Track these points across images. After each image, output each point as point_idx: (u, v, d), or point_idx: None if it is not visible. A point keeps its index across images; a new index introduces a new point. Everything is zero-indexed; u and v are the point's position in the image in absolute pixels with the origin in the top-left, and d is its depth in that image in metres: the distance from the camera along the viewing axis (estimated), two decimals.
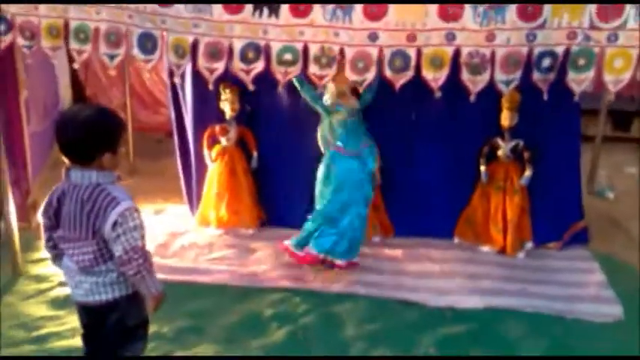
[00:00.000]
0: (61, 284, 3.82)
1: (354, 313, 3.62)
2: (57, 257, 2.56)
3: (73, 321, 3.44)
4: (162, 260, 4.13)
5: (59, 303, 3.68)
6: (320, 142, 4.19)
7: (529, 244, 4.30)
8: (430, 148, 4.38)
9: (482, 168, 4.26)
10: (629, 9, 2.97)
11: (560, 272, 4.05)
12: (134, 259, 2.34)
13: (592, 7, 3.00)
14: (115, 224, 2.29)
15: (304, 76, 3.61)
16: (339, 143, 4.03)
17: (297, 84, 3.98)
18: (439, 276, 4.01)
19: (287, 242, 4.16)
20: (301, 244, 4.09)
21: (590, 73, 3.11)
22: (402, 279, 3.99)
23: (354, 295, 3.80)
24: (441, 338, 3.38)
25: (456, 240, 4.43)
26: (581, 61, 3.09)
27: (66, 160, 2.36)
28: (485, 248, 4.30)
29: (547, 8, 3.01)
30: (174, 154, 4.92)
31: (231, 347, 3.32)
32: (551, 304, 3.67)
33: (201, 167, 4.70)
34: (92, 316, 2.54)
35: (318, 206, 4.16)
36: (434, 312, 3.64)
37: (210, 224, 4.66)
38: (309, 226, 4.10)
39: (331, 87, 3.92)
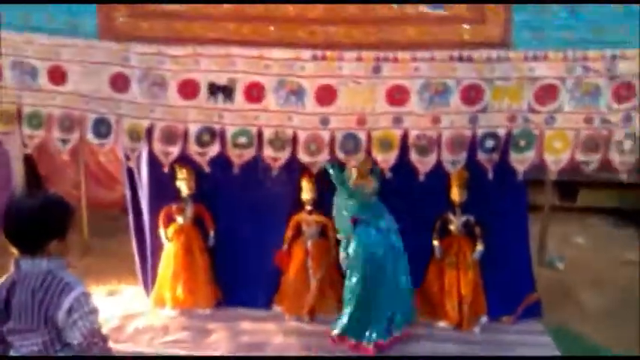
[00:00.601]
0: None
1: None
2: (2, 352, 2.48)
3: None
4: (115, 345, 3.89)
5: None
6: (340, 230, 4.15)
7: (484, 319, 4.34)
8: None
9: (436, 243, 4.35)
10: (564, 93, 3.18)
11: (515, 347, 4.08)
12: (94, 343, 2.32)
13: (530, 91, 3.20)
14: (70, 310, 2.27)
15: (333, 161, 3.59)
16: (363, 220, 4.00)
17: (329, 168, 3.88)
18: (399, 352, 3.99)
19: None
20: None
21: (531, 153, 3.29)
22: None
23: None
24: None
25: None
26: (522, 142, 3.27)
27: (14, 250, 2.34)
28: (442, 324, 4.32)
29: (488, 93, 3.20)
30: (128, 232, 4.88)
31: None
32: None
33: (157, 246, 4.65)
34: None
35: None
36: None
37: (166, 304, 4.57)
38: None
39: (354, 170, 3.90)
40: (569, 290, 5.02)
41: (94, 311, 2.34)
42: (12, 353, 2.42)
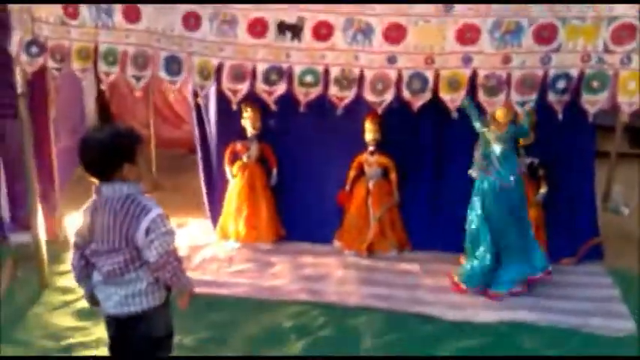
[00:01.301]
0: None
1: (371, 326, 3.71)
2: (83, 277, 2.71)
3: (98, 332, 3.60)
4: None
5: (85, 314, 3.81)
6: (475, 166, 4.09)
7: None
8: (448, 165, 4.47)
9: None
10: None
11: (575, 287, 4.12)
12: (169, 262, 2.51)
13: (606, 31, 3.09)
14: (147, 230, 2.45)
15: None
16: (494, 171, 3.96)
17: (466, 105, 3.76)
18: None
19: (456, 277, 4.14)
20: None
21: (604, 95, 3.20)
22: (417, 293, 4.07)
23: (371, 309, 3.89)
24: (455, 351, 3.46)
25: None
26: (595, 84, 3.18)
27: (94, 180, 2.53)
28: None
29: (562, 32, 3.11)
30: (195, 170, 5.06)
31: (253, 355, 3.44)
32: (565, 318, 3.75)
33: (223, 182, 4.83)
34: (121, 327, 2.67)
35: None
36: (449, 326, 3.72)
37: (230, 237, 4.78)
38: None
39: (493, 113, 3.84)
40: (632, 236, 4.96)
41: (169, 232, 2.51)
42: (94, 276, 2.62)
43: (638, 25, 3.05)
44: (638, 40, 3.08)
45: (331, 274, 4.33)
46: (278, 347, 3.52)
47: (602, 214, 5.06)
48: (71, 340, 3.59)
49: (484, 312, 3.83)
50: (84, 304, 3.88)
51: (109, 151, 2.49)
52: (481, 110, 3.65)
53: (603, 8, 3.05)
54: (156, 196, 5.13)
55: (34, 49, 3.68)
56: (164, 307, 2.68)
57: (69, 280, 4.17)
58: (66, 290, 4.10)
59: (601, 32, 3.09)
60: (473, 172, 4.05)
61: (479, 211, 4.00)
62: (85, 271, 2.70)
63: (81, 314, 3.83)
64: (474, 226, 4.05)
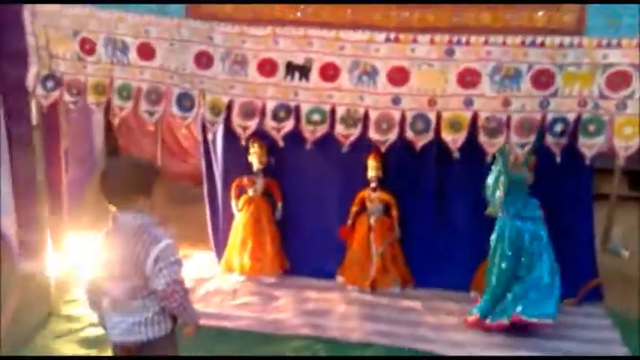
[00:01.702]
0: (92, 325, 4.01)
1: None
2: (95, 301, 2.77)
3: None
4: None
5: (90, 343, 3.87)
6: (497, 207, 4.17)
7: None
8: (450, 204, 4.58)
9: None
10: (638, 80, 3.19)
11: (575, 328, 4.16)
12: (176, 291, 2.58)
13: (601, 78, 3.23)
14: (156, 259, 2.53)
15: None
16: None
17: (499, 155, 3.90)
18: (455, 328, 4.13)
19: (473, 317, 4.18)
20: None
21: (601, 139, 3.32)
22: (419, 330, 4.12)
23: (373, 344, 3.93)
24: None
25: (472, 294, 4.55)
26: (592, 128, 3.31)
27: (111, 208, 2.64)
28: None
29: (559, 78, 3.24)
30: (200, 202, 5.16)
31: None
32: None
33: (228, 215, 4.93)
34: (127, 355, 2.73)
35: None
36: None
37: (234, 270, 4.85)
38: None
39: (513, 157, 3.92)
40: (631, 278, 5.00)
41: (177, 262, 2.60)
42: (104, 302, 2.70)
43: (631, 72, 3.18)
44: (633, 87, 3.20)
45: (334, 310, 4.39)
46: None
47: (602, 256, 5.12)
48: None
49: (485, 351, 3.86)
50: (89, 332, 3.99)
51: (130, 182, 2.61)
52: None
53: (598, 55, 3.18)
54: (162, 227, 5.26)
55: (50, 84, 3.84)
56: (170, 337, 2.73)
57: (75, 309, 4.25)
58: (72, 318, 4.17)
59: (596, 79, 3.22)
60: (492, 211, 4.18)
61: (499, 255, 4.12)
62: (95, 295, 2.76)
63: (86, 342, 3.89)
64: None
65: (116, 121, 3.90)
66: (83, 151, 5.67)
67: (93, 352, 3.78)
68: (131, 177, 2.63)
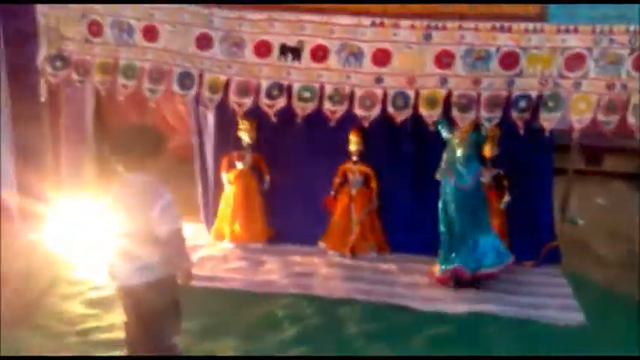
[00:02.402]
0: (95, 288, 4.38)
1: (354, 315, 4.15)
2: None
3: (110, 318, 3.99)
4: None
5: (95, 303, 4.20)
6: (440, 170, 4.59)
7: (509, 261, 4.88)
8: (425, 177, 4.95)
9: None
10: (591, 62, 3.65)
11: (534, 285, 4.64)
12: (175, 238, 2.98)
13: (560, 59, 3.67)
14: (161, 211, 2.90)
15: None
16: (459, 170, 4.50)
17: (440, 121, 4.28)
18: (427, 287, 4.58)
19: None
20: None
21: (558, 113, 3.77)
22: (395, 288, 4.55)
23: (353, 301, 4.33)
24: (429, 338, 3.91)
25: None
26: (551, 104, 3.75)
27: (120, 168, 3.01)
28: None
29: (523, 59, 3.68)
30: (185, 177, 5.48)
31: (250, 341, 3.84)
32: (525, 310, 4.24)
33: (218, 188, 5.28)
34: (134, 296, 3.09)
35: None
36: (423, 316, 4.18)
37: (225, 238, 5.21)
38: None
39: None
40: (587, 243, 5.53)
41: (177, 216, 2.99)
42: (114, 249, 3.08)
43: (586, 54, 3.63)
44: (587, 68, 3.66)
45: (318, 272, 4.80)
46: (273, 332, 3.95)
47: (561, 225, 5.64)
48: (85, 325, 3.96)
49: (454, 304, 4.31)
50: (93, 294, 4.31)
51: (139, 147, 2.96)
52: (451, 123, 4.20)
53: (557, 40, 3.62)
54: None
55: (59, 63, 4.12)
56: (172, 279, 3.10)
57: (77, 273, 4.57)
58: (76, 282, 4.47)
59: (556, 60, 3.66)
60: (437, 175, 4.58)
61: (445, 211, 4.56)
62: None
63: (91, 303, 4.21)
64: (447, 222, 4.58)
65: (121, 98, 4.17)
66: (77, 130, 5.92)
67: (97, 312, 4.10)
68: (141, 142, 2.97)
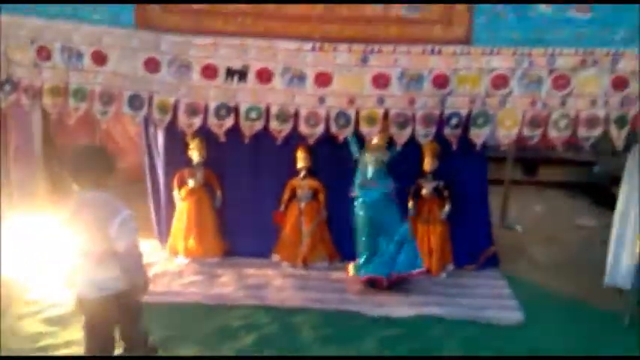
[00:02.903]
0: (50, 306, 4.45)
1: (308, 322, 4.36)
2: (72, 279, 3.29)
3: (66, 335, 4.08)
4: None
5: (52, 321, 4.27)
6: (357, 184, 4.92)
7: (450, 266, 5.19)
8: None
9: (410, 204, 5.14)
10: (514, 81, 3.96)
11: (475, 288, 4.94)
12: (133, 252, 3.18)
13: (487, 80, 3.97)
14: (119, 225, 3.07)
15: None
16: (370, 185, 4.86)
17: (350, 140, 4.69)
18: (376, 292, 4.81)
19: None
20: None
21: (487, 129, 4.07)
22: (346, 295, 4.78)
23: (307, 309, 4.53)
24: (378, 341, 4.14)
25: None
26: (480, 120, 4.05)
27: (76, 187, 3.17)
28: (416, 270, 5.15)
29: (453, 80, 3.96)
30: (136, 197, 5.55)
31: (209, 350, 3.99)
32: (466, 311, 4.52)
33: (171, 205, 5.41)
34: (92, 309, 3.24)
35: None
36: (373, 320, 4.41)
37: (179, 254, 5.35)
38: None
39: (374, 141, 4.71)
40: (524, 248, 5.88)
41: (135, 230, 3.17)
42: (77, 264, 3.22)
43: (509, 75, 3.95)
44: (511, 87, 3.97)
45: (271, 283, 4.98)
46: (231, 341, 4.10)
47: (500, 231, 6.01)
48: (44, 343, 4.03)
49: (401, 308, 4.56)
50: (50, 313, 4.38)
51: (95, 166, 3.16)
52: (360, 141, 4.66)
53: (483, 61, 3.93)
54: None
55: (7, 87, 4.22)
56: (130, 294, 3.27)
57: (31, 295, 4.63)
58: (30, 303, 4.53)
59: (483, 80, 3.96)
60: (352, 192, 4.94)
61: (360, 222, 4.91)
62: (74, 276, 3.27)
63: (49, 321, 4.28)
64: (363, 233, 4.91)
65: (71, 121, 4.28)
66: (27, 151, 5.97)
67: (57, 329, 4.18)
68: (96, 162, 3.17)
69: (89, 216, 3.11)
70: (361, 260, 4.88)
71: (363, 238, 4.88)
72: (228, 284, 4.93)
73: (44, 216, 5.19)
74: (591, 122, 3.97)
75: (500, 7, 3.86)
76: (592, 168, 7.87)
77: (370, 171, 4.82)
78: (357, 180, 4.89)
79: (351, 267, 4.98)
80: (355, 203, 4.91)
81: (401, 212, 4.92)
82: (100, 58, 4.12)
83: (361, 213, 4.87)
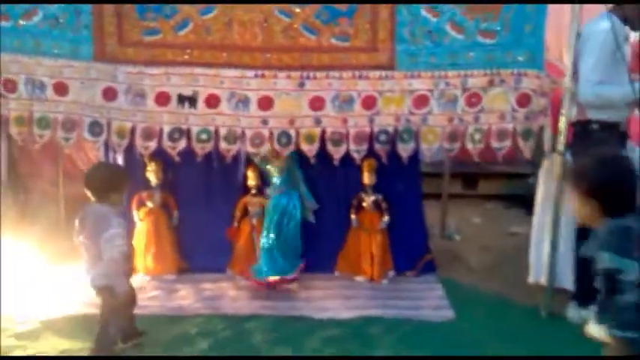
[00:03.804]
0: (19, 323, 4.71)
1: (260, 327, 4.72)
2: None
3: (36, 347, 4.38)
4: None
5: (22, 337, 4.52)
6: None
7: (391, 273, 5.62)
8: (318, 203, 5.68)
9: (353, 216, 5.59)
10: (433, 101, 4.50)
11: (413, 291, 5.38)
12: (112, 266, 3.71)
13: (409, 100, 4.49)
14: (104, 242, 3.62)
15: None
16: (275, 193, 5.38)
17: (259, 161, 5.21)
18: (323, 298, 5.23)
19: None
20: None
21: (412, 144, 4.57)
22: (294, 302, 5.18)
23: (259, 316, 4.90)
24: (323, 340, 4.52)
25: (337, 273, 5.68)
26: (405, 136, 4.56)
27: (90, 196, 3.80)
28: (359, 278, 5.58)
29: (380, 101, 4.47)
30: None
31: (169, 354, 4.33)
32: (404, 311, 4.94)
33: (131, 225, 5.72)
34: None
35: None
36: (318, 322, 4.80)
37: (139, 272, 5.67)
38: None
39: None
40: (461, 255, 6.37)
41: (118, 246, 3.67)
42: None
43: (429, 95, 4.48)
44: (431, 106, 4.50)
45: (226, 294, 5.32)
46: (187, 346, 4.43)
47: (439, 241, 6.51)
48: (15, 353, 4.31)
49: (344, 311, 4.96)
50: (20, 329, 4.65)
51: (106, 182, 3.77)
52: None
53: (405, 84, 4.45)
54: (72, 246, 6.00)
55: None
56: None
57: (2, 310, 4.89)
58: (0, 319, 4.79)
59: (405, 100, 4.49)
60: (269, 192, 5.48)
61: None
62: None
63: (18, 336, 4.53)
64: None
65: (37, 147, 4.65)
66: None
67: (26, 343, 4.43)
68: (107, 178, 3.80)
69: (89, 225, 3.70)
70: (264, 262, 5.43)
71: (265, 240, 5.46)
72: (186, 297, 5.27)
73: (11, 239, 5.50)
74: (501, 135, 4.52)
75: (418, 34, 4.39)
76: (527, 180, 8.43)
77: (275, 181, 5.38)
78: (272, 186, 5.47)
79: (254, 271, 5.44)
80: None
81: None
82: (61, 89, 4.51)
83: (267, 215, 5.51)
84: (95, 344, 4.07)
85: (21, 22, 4.41)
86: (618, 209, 2.54)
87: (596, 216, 2.63)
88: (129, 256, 3.97)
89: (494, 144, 4.54)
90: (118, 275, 3.80)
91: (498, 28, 4.35)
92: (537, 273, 5.19)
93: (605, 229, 2.55)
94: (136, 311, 4.91)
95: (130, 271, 4.07)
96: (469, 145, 4.57)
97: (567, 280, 5.00)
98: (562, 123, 4.32)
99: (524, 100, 4.48)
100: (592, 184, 2.62)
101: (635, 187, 2.56)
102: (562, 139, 4.38)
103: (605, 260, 2.49)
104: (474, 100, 4.48)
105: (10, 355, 4.30)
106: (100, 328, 4.05)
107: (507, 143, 4.55)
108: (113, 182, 3.79)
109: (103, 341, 4.04)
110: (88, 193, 3.79)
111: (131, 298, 4.23)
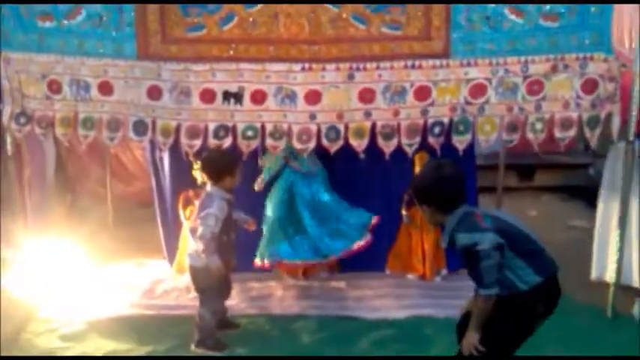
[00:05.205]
0: (66, 323, 4.70)
1: (307, 328, 4.60)
2: None
3: (81, 348, 4.38)
4: (150, 301, 5.07)
5: (68, 337, 4.53)
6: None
7: (444, 271, 5.42)
8: (365, 200, 5.48)
9: (404, 212, 5.39)
10: (491, 90, 4.24)
11: (466, 290, 5.11)
12: (202, 242, 4.00)
13: (465, 89, 4.25)
14: (200, 218, 4.02)
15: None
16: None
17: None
18: (374, 298, 5.05)
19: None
20: None
21: (469, 136, 4.34)
22: (344, 302, 5.01)
23: (307, 316, 4.78)
24: (374, 341, 4.37)
25: (387, 272, 5.50)
26: (461, 127, 4.33)
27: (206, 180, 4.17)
28: (410, 276, 5.38)
29: (434, 91, 4.25)
30: (146, 220, 5.88)
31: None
32: (457, 311, 4.71)
33: (177, 225, 5.67)
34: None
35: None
36: (369, 323, 4.65)
37: (186, 271, 5.58)
38: None
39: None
40: None
41: (209, 226, 3.98)
42: None
43: (486, 84, 4.23)
44: (488, 95, 4.25)
45: (273, 294, 5.23)
46: (238, 346, 4.36)
47: None
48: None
49: (396, 311, 4.80)
50: (65, 330, 4.64)
51: (219, 167, 4.08)
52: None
53: (461, 73, 4.21)
54: (113, 244, 6.00)
55: (22, 119, 4.54)
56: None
57: (48, 312, 4.89)
58: (47, 321, 4.78)
59: (461, 90, 4.25)
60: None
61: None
62: None
63: (65, 338, 4.54)
64: None
65: (82, 148, 4.60)
66: (40, 178, 6.29)
67: (72, 344, 4.44)
68: (222, 162, 4.08)
69: (199, 201, 4.20)
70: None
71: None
72: (233, 296, 5.14)
73: (58, 240, 5.50)
74: (565, 124, 4.25)
75: (475, 20, 4.14)
76: (587, 170, 8.06)
77: (270, 170, 5.34)
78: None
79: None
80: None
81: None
82: (106, 88, 4.44)
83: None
84: (198, 333, 4.25)
85: (65, 22, 4.36)
86: (452, 206, 3.09)
87: (438, 217, 3.14)
88: (229, 246, 4.21)
89: (558, 134, 4.27)
90: (210, 253, 3.99)
91: (563, 10, 4.07)
92: (601, 269, 4.89)
93: (452, 221, 3.08)
94: (182, 311, 4.89)
95: (228, 263, 4.20)
96: (530, 136, 4.30)
97: (634, 277, 4.71)
98: (633, 110, 4.03)
99: (590, 86, 4.19)
100: (422, 196, 3.16)
101: (457, 185, 3.13)
102: (631, 127, 4.11)
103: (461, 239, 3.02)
104: (535, 87, 4.22)
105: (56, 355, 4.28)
106: (198, 317, 4.25)
107: (572, 133, 4.27)
108: (228, 166, 4.06)
109: (203, 328, 4.24)
110: (205, 177, 4.12)
111: (227, 287, 4.45)
